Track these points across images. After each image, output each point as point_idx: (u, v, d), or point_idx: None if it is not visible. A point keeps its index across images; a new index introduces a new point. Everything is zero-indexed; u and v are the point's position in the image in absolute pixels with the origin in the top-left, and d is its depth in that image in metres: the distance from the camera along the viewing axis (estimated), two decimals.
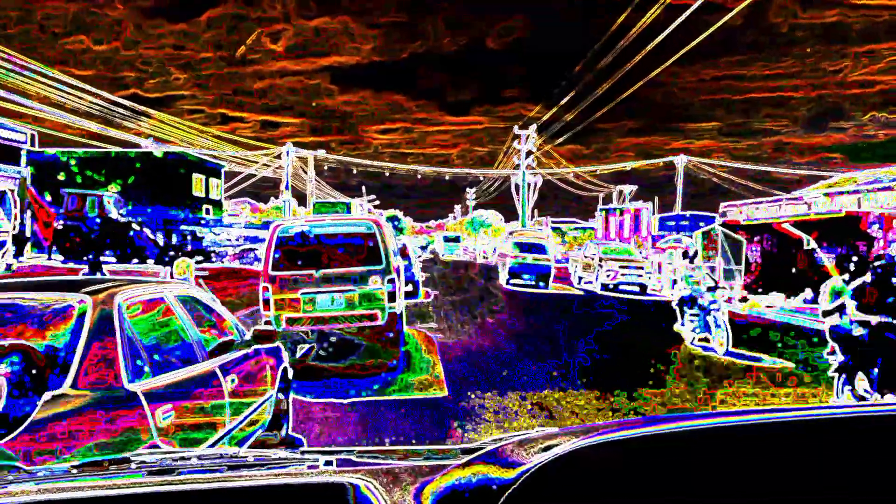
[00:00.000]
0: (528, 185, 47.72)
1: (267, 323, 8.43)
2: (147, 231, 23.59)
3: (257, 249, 30.94)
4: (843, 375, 6.80)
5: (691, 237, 22.00)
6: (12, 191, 20.03)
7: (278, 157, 46.57)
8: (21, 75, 30.06)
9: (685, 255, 12.46)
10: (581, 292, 23.69)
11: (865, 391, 6.51)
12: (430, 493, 1.25)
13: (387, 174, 53.47)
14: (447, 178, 57.33)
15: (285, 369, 5.62)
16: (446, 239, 56.17)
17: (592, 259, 25.41)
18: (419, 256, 27.47)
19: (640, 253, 27.97)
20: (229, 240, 36.18)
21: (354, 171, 51.35)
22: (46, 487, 1.34)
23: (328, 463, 1.48)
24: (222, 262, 30.18)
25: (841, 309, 6.73)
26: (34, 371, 1.83)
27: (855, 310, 6.47)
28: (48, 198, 23.93)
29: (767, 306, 17.12)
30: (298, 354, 8.66)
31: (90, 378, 2.99)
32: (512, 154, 48.07)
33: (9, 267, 15.98)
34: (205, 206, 40.24)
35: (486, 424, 6.66)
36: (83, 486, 1.31)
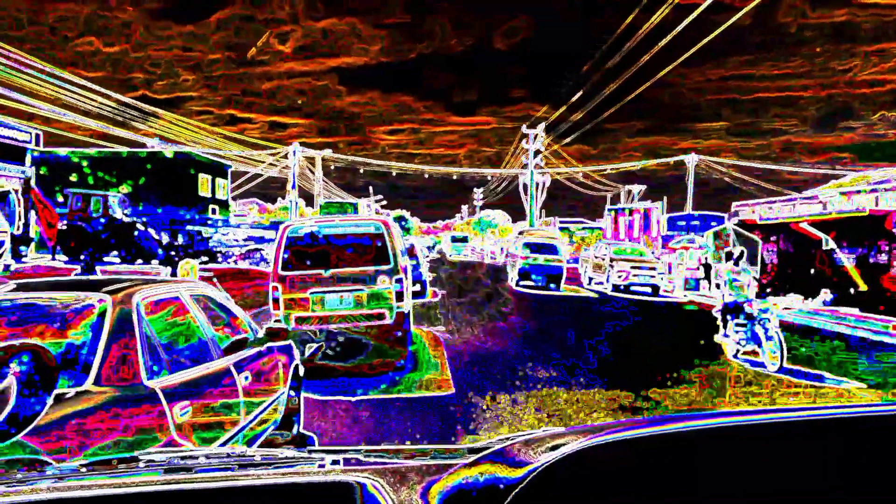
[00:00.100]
0: (537, 184, 47.32)
1: (276, 322, 8.43)
2: (152, 231, 23.35)
3: (263, 250, 30.70)
4: None
5: (720, 236, 21.43)
6: (16, 190, 19.82)
7: (285, 156, 46.37)
8: (31, 76, 29.95)
9: (729, 255, 10.86)
10: (594, 293, 23.26)
11: None
12: (437, 493, 1.25)
13: (394, 174, 53.29)
14: (454, 177, 57.11)
15: (297, 367, 5.68)
16: (454, 239, 55.95)
17: (603, 259, 24.97)
18: (427, 257, 27.20)
19: (652, 253, 27.51)
20: (236, 240, 35.99)
21: (361, 171, 51.17)
22: (55, 486, 1.34)
23: (335, 462, 1.49)
24: (228, 263, 29.93)
25: None
26: (44, 370, 1.84)
27: None
28: (57, 198, 23.76)
29: (785, 308, 16.65)
30: (307, 353, 8.69)
31: (111, 375, 3.10)
32: (520, 154, 47.69)
33: (7, 268, 15.71)
34: (211, 207, 40.02)
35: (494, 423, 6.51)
36: (92, 485, 1.31)
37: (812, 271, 17.27)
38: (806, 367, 9.55)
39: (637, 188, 53.95)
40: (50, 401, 1.81)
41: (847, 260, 15.99)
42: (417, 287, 17.28)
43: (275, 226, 36.44)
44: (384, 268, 9.04)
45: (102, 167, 34.94)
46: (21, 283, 3.87)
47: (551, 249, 24.70)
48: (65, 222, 21.85)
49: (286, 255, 9.03)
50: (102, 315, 3.30)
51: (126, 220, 23.17)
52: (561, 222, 57.73)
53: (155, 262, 22.22)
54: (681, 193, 47.45)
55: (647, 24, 30.29)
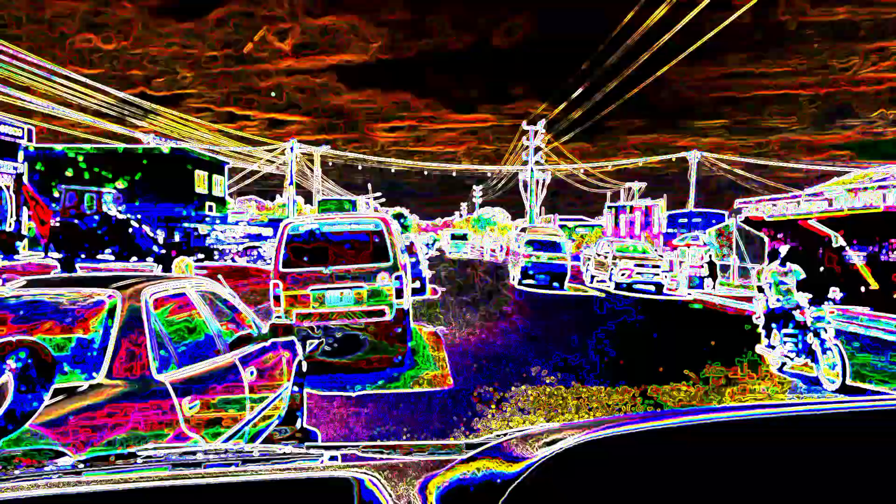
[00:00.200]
0: (537, 181, 46.92)
1: (277, 318, 8.66)
2: (146, 228, 22.94)
3: (261, 247, 30.28)
4: None
5: (724, 233, 21.01)
6: (7, 187, 19.40)
7: (283, 153, 45.96)
8: (30, 73, 29.51)
9: (773, 254, 9.54)
10: (598, 292, 22.85)
11: None
12: (435, 488, 1.25)
13: (392, 171, 52.91)
14: (454, 174, 56.74)
15: (300, 363, 5.76)
16: (453, 237, 55.66)
17: (606, 257, 24.57)
18: (426, 254, 26.94)
19: (656, 251, 27.10)
20: (233, 237, 35.54)
21: (360, 168, 50.79)
22: (53, 482, 1.32)
23: (333, 458, 1.51)
24: (225, 261, 29.53)
25: None
26: (42, 366, 1.82)
27: None
28: (52, 194, 23.30)
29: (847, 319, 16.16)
30: (307, 350, 8.60)
31: (123, 369, 3.18)
32: (520, 151, 47.28)
33: None
34: (207, 204, 39.60)
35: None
36: (89, 481, 1.32)
37: (821, 269, 16.94)
38: (877, 387, 7.77)
39: (637, 185, 53.59)
40: (47, 397, 1.78)
41: (857, 257, 15.65)
42: (417, 284, 17.24)
43: (272, 223, 36.07)
44: (384, 265, 9.14)
45: (97, 163, 34.47)
46: (32, 279, 3.97)
47: (555, 247, 23.94)
48: (58, 219, 21.41)
49: (287, 253, 9.15)
50: (112, 311, 3.41)
51: (120, 216, 22.76)
52: (561, 219, 57.42)
53: (149, 259, 21.84)
54: (679, 191, 47.14)
55: (647, 22, 30.03)
